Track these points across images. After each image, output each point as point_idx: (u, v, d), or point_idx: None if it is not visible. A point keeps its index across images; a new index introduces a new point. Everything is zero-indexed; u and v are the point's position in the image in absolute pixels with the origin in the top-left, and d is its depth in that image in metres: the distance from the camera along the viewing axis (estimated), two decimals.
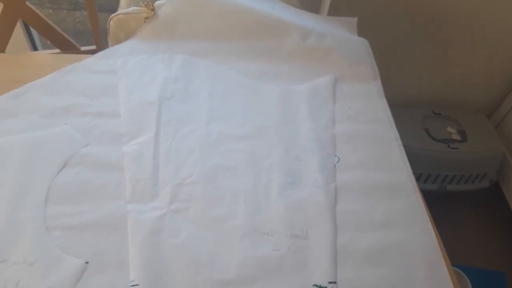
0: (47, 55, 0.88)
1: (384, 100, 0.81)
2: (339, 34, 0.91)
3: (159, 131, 0.73)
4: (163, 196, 0.64)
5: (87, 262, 0.56)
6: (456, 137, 1.43)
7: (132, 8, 0.92)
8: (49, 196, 0.63)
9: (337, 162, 0.71)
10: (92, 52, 1.24)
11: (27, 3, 1.11)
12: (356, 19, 0.96)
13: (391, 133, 0.76)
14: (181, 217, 0.62)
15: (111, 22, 0.92)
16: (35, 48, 1.46)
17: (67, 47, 1.22)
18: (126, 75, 0.81)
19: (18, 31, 1.36)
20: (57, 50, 1.22)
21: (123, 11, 0.92)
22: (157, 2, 0.90)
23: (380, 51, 0.92)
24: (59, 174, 0.66)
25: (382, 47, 0.93)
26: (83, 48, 1.24)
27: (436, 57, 1.42)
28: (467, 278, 1.21)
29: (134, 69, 0.83)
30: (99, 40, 1.23)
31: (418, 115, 1.47)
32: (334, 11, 1.20)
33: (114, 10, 0.99)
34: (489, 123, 1.49)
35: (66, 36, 1.20)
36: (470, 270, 1.24)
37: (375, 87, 0.83)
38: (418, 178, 1.39)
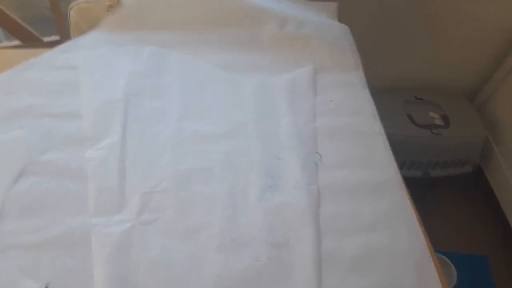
0: (3, 50, 0.80)
1: (367, 91, 0.77)
2: (319, 21, 0.86)
3: (125, 132, 0.67)
4: (131, 206, 0.59)
5: (47, 286, 0.51)
6: (439, 122, 1.40)
7: None
8: (4, 210, 0.57)
9: (319, 160, 0.66)
10: (56, 43, 1.16)
11: None
12: (336, 3, 0.90)
13: (375, 127, 0.72)
14: (151, 230, 0.57)
15: (72, 12, 0.85)
16: None
17: (28, 38, 1.14)
18: (88, 71, 0.74)
19: None
20: (18, 42, 1.13)
21: None
22: None
23: (359, 34, 0.87)
24: (16, 184, 0.60)
25: (362, 30, 0.87)
26: (46, 39, 1.15)
27: (417, 41, 1.37)
28: (452, 264, 1.20)
29: (98, 64, 0.76)
30: (62, 29, 1.14)
31: (400, 100, 1.44)
32: None
33: None
34: (472, 107, 1.47)
35: (26, 27, 1.12)
36: (455, 255, 1.23)
37: (357, 77, 0.79)
38: (401, 165, 1.36)
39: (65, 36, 1.16)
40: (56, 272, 0.52)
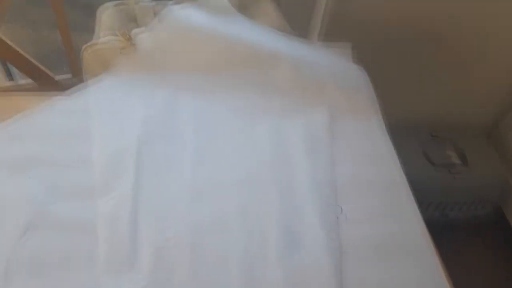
0: (12, 94, 0.78)
1: (387, 137, 0.74)
2: (334, 63, 0.84)
3: (138, 182, 0.64)
4: (143, 263, 0.55)
5: None
6: (456, 160, 1.36)
7: (108, 37, 0.84)
8: (9, 269, 0.54)
9: (340, 214, 0.63)
10: (68, 81, 1.16)
11: None
12: (350, 44, 0.88)
13: (397, 175, 0.68)
14: None
15: (85, 53, 0.84)
16: (10, 76, 1.36)
17: (41, 76, 1.13)
18: (100, 117, 0.72)
19: None
20: (31, 81, 1.13)
21: (97, 40, 0.84)
22: (134, 31, 0.82)
23: (372, 72, 0.84)
24: (21, 239, 0.57)
25: (375, 69, 0.85)
26: (58, 77, 1.15)
27: (433, 76, 1.35)
28: None
29: (109, 109, 0.74)
30: (75, 67, 1.14)
31: (416, 138, 1.40)
32: (326, 35, 1.12)
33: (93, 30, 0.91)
34: (489, 144, 1.43)
35: (39, 65, 1.11)
36: None
37: (376, 122, 0.76)
38: (419, 206, 1.32)
39: (77, 74, 1.16)
40: None
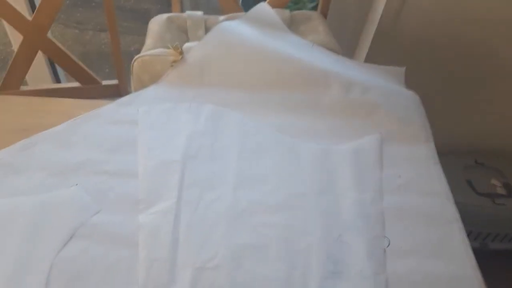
0: (61, 100, 0.80)
1: (440, 167, 0.71)
2: (386, 87, 0.81)
3: (181, 197, 0.63)
4: (181, 283, 0.55)
5: None
6: (501, 191, 1.30)
7: (159, 49, 0.84)
8: (52, 276, 0.54)
9: (387, 246, 0.60)
10: (114, 87, 1.18)
11: (48, 35, 1.05)
12: (404, 69, 0.86)
13: (450, 210, 0.65)
14: None
15: (135, 64, 0.85)
16: (57, 79, 1.40)
17: (87, 80, 1.16)
18: (147, 127, 0.73)
19: (41, 62, 1.31)
20: (78, 84, 1.16)
21: (149, 52, 0.84)
22: (185, 45, 0.82)
23: (417, 94, 0.81)
24: (65, 248, 0.57)
25: (420, 92, 0.82)
26: (104, 83, 1.17)
27: (480, 100, 1.30)
28: None
29: (157, 120, 0.74)
30: (121, 74, 1.16)
31: (459, 164, 1.35)
32: (373, 55, 1.10)
33: (142, 33, 0.92)
34: None
35: (86, 69, 1.14)
36: None
37: (428, 151, 0.73)
38: None
39: (122, 80, 1.18)
40: None
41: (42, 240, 0.57)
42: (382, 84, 0.81)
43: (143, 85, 0.83)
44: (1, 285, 0.52)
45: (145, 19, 0.95)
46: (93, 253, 0.57)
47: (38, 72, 1.34)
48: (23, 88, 1.13)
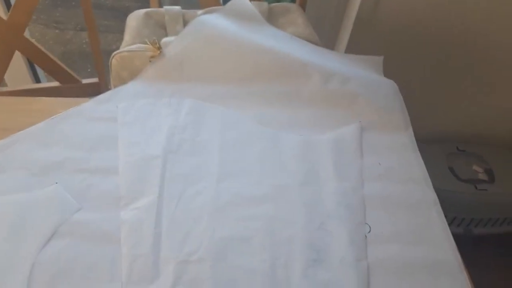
0: (40, 98, 0.79)
1: (418, 154, 0.72)
2: (365, 77, 0.82)
3: (163, 192, 0.63)
4: (165, 277, 0.55)
5: None
6: (482, 176, 1.32)
7: (137, 45, 0.84)
8: (34, 274, 0.54)
9: (368, 232, 0.61)
10: (94, 85, 1.17)
11: (26, 35, 1.03)
12: (382, 58, 0.86)
13: (429, 195, 0.66)
14: None
15: (113, 61, 0.84)
16: (37, 79, 1.38)
17: (67, 79, 1.14)
18: (127, 123, 0.72)
19: (20, 61, 1.29)
20: (56, 83, 1.14)
21: (127, 48, 0.84)
22: (163, 40, 0.81)
23: (400, 83, 0.82)
24: (46, 246, 0.57)
25: (402, 80, 0.83)
26: (84, 81, 1.16)
27: (462, 88, 1.32)
28: None
29: (137, 116, 0.74)
30: (101, 72, 1.15)
31: (441, 151, 1.37)
32: (354, 45, 1.11)
33: (123, 31, 0.91)
34: None
35: (65, 68, 1.12)
36: None
37: (407, 138, 0.74)
38: None
39: (102, 78, 1.17)
40: None
41: (23, 239, 0.57)
42: (361, 74, 0.82)
43: (122, 82, 0.82)
44: None
45: (126, 17, 0.94)
46: (76, 251, 0.57)
47: (18, 73, 1.32)
48: (2, 89, 1.11)
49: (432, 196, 0.66)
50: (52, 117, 0.73)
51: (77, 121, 0.73)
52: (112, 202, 0.62)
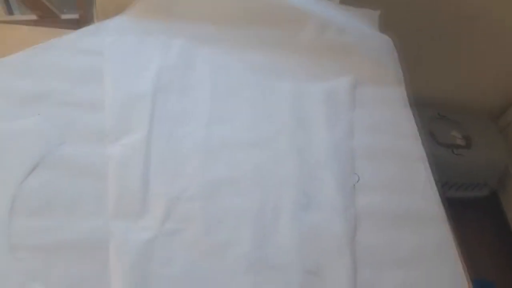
0: (21, 27, 0.74)
1: (409, 110, 0.72)
2: (361, 29, 0.80)
3: (152, 130, 0.61)
4: (155, 212, 0.54)
5: None
6: (460, 142, 1.36)
7: None
8: (15, 206, 0.52)
9: (357, 182, 0.62)
10: (74, 22, 1.10)
11: None
12: (378, 12, 0.85)
13: (418, 149, 0.67)
14: (175, 242, 0.52)
15: None
16: (10, 11, 1.29)
17: (45, 13, 1.07)
18: (114, 58, 0.69)
19: None
20: (33, 17, 1.07)
21: None
22: None
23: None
24: (28, 178, 0.54)
25: (394, 39, 0.83)
26: (63, 16, 1.09)
27: (449, 56, 1.32)
28: None
29: (124, 52, 0.70)
30: (83, 8, 1.08)
31: (423, 116, 1.38)
32: None
33: None
34: (495, 129, 1.42)
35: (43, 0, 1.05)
36: None
37: (399, 93, 0.74)
38: None
39: (84, 16, 1.10)
40: (68, 281, 0.48)
41: (3, 170, 0.54)
42: (357, 26, 0.80)
43: (107, 17, 0.77)
44: None
45: None
46: (59, 184, 0.55)
47: None
48: None
49: (420, 151, 0.67)
50: (33, 47, 0.68)
51: (61, 52, 0.69)
52: (96, 137, 0.60)
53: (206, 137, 0.63)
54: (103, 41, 0.71)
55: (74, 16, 1.10)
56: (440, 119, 1.39)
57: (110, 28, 0.73)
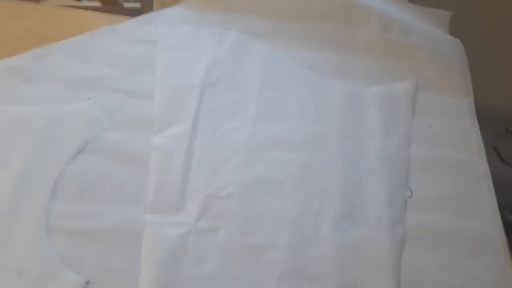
0: (79, 11, 0.75)
1: (476, 123, 0.65)
2: (428, 30, 0.74)
3: (197, 123, 0.60)
4: (191, 208, 0.52)
5: (88, 282, 0.46)
6: None
7: None
8: (57, 187, 0.52)
9: (409, 197, 0.57)
10: (136, 11, 1.12)
11: None
12: (450, 13, 0.78)
13: (481, 167, 0.61)
14: (209, 240, 0.50)
15: None
16: None
17: (108, 0, 1.10)
18: (167, 48, 0.68)
19: None
20: (97, 3, 1.10)
21: None
22: None
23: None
24: (73, 161, 0.55)
25: (465, 44, 0.75)
26: (126, 5, 1.11)
27: None
28: None
29: (178, 42, 0.69)
30: None
31: (489, 130, 1.28)
32: None
33: None
34: None
35: None
36: None
37: (466, 104, 0.67)
38: None
39: (146, 5, 1.12)
40: (100, 268, 0.47)
41: (50, 151, 0.55)
42: (425, 27, 0.74)
43: (165, 6, 0.77)
44: (6, 194, 0.51)
45: None
46: (102, 169, 0.55)
47: None
48: (44, 2, 1.08)
49: (484, 168, 0.61)
50: (90, 32, 0.69)
51: (116, 39, 0.69)
52: (144, 126, 0.59)
53: (251, 134, 0.60)
54: (158, 31, 0.70)
55: (136, 5, 1.13)
56: (507, 135, 1.28)
57: (165, 18, 0.73)
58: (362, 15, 0.73)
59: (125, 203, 0.53)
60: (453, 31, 0.78)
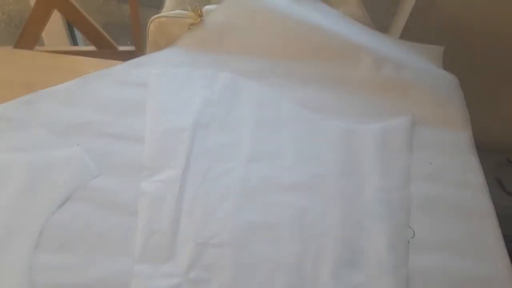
0: (70, 57, 0.75)
1: (476, 158, 0.64)
2: (422, 66, 0.74)
3: (188, 167, 0.58)
4: (181, 257, 0.50)
5: None
6: None
7: (177, 11, 0.78)
8: (42, 238, 0.50)
9: (412, 238, 0.54)
10: (130, 54, 1.13)
11: None
12: (442, 48, 0.78)
13: (485, 204, 0.58)
14: None
15: (151, 25, 0.79)
16: (75, 42, 1.36)
17: (103, 44, 1.11)
18: (158, 91, 0.67)
19: (59, 23, 1.27)
20: (93, 48, 1.11)
21: (166, 13, 0.79)
22: (206, 7, 0.76)
23: None
24: (59, 209, 0.53)
25: (458, 77, 0.75)
26: (121, 48, 1.12)
27: None
28: None
29: (170, 85, 0.69)
30: (139, 41, 1.11)
31: (490, 162, 1.26)
32: (410, 33, 1.02)
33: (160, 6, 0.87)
34: None
35: (103, 32, 1.09)
36: None
37: (464, 138, 0.66)
38: None
39: (140, 48, 1.13)
40: None
41: (36, 199, 0.53)
42: (418, 63, 0.74)
43: (158, 49, 0.77)
44: None
45: None
46: (89, 218, 0.52)
47: (56, 35, 1.30)
48: (39, 48, 1.09)
49: (488, 205, 0.58)
50: (81, 77, 0.69)
51: (106, 83, 0.68)
52: (133, 171, 0.57)
53: (245, 176, 0.58)
54: (149, 73, 0.70)
55: (131, 48, 1.14)
56: (509, 165, 1.26)
57: (157, 60, 0.72)
58: (355, 54, 0.72)
59: (113, 253, 0.50)
60: (446, 65, 0.78)
